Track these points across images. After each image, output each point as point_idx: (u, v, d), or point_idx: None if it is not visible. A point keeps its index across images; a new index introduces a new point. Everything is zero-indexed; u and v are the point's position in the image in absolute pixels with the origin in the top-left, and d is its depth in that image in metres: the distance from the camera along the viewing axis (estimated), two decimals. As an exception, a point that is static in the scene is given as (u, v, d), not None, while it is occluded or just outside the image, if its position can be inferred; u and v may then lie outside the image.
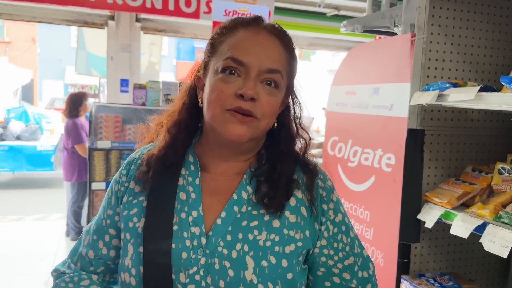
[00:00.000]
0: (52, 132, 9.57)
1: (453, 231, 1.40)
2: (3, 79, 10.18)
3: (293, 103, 0.99)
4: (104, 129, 3.75)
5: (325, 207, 0.94)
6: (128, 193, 0.94)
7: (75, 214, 4.98)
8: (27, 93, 17.09)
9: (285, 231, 0.88)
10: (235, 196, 0.90)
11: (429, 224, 1.51)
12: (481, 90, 1.32)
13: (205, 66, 0.93)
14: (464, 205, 1.50)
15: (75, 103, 4.90)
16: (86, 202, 4.50)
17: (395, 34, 1.97)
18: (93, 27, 6.15)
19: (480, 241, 1.30)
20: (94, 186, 3.75)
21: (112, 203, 0.97)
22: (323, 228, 0.93)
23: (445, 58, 1.67)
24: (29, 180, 8.53)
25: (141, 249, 0.86)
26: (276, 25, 0.93)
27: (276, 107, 0.89)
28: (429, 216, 1.53)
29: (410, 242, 1.64)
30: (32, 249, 4.61)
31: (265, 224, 0.88)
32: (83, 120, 4.95)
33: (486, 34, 1.73)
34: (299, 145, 0.99)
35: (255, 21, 0.91)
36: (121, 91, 5.23)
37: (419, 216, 1.57)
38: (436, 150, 1.68)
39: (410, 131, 1.60)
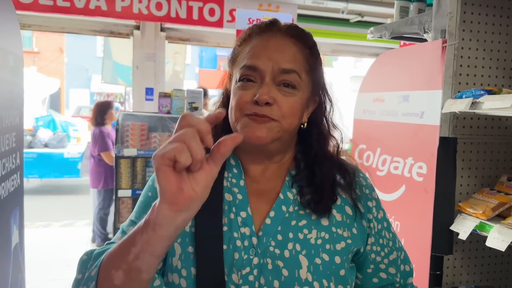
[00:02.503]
0: (78, 140, 9.78)
1: (489, 243, 1.35)
2: (32, 88, 10.47)
3: (323, 101, 0.97)
4: (130, 137, 3.81)
5: (370, 204, 0.95)
6: None
7: (101, 221, 5.06)
8: (55, 102, 17.53)
9: (334, 229, 0.89)
10: (281, 196, 0.90)
11: (463, 236, 1.46)
12: (517, 97, 1.28)
13: (230, 76, 0.96)
14: (500, 216, 1.45)
15: (101, 112, 5.00)
16: (112, 209, 4.56)
17: (424, 40, 1.93)
18: (119, 37, 6.27)
19: (519, 254, 1.25)
20: (120, 193, 3.80)
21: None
22: (371, 225, 0.93)
23: (477, 64, 1.63)
24: (56, 187, 8.71)
25: (190, 249, 0.86)
26: (292, 25, 0.92)
27: (297, 107, 0.88)
28: (462, 227, 1.49)
29: (443, 254, 1.59)
30: (59, 255, 4.70)
31: (314, 223, 0.88)
32: (109, 129, 5.03)
33: (520, 39, 1.67)
34: (331, 144, 0.98)
35: (269, 26, 0.91)
36: (146, 99, 5.31)
37: (452, 227, 1.52)
38: (469, 159, 1.63)
39: (442, 140, 1.56)
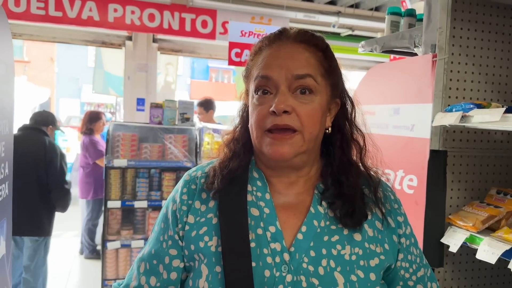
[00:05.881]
0: (68, 150, 9.67)
1: (480, 256, 1.36)
2: (22, 98, 10.38)
3: (344, 102, 0.94)
4: (121, 148, 3.77)
5: (400, 219, 0.93)
6: (193, 212, 0.89)
7: (90, 232, 4.99)
8: (44, 111, 17.36)
9: (366, 244, 0.86)
10: (312, 210, 0.87)
11: (453, 248, 1.47)
12: (506, 111, 1.30)
13: (247, 92, 0.94)
14: (490, 229, 1.46)
15: (91, 121, 4.98)
16: (101, 220, 4.50)
17: (414, 54, 1.95)
18: (110, 47, 6.28)
19: (509, 266, 1.26)
20: (110, 204, 3.75)
21: (171, 223, 0.91)
22: (401, 240, 0.92)
23: (467, 78, 1.65)
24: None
25: (218, 268, 0.82)
26: (301, 31, 0.90)
27: (316, 114, 0.85)
28: (453, 240, 1.49)
29: (433, 266, 1.59)
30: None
31: (346, 238, 0.86)
32: (98, 138, 5.00)
33: (508, 54, 1.71)
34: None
35: (278, 36, 0.90)
36: (137, 109, 5.30)
37: (443, 240, 1.53)
38: (459, 172, 1.65)
39: (433, 153, 1.57)
